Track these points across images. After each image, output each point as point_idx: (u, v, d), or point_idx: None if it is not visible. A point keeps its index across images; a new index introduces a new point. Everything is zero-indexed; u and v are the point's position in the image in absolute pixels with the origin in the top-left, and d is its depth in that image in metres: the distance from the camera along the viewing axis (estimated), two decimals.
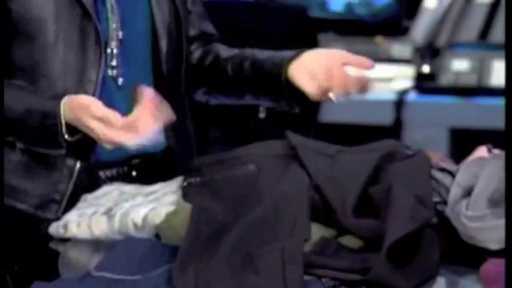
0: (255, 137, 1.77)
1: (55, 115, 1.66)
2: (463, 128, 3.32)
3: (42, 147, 1.72)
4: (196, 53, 1.95)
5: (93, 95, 1.75)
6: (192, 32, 1.95)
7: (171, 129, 1.83)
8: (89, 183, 1.75)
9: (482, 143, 3.29)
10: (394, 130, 3.36)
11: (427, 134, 3.37)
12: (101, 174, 1.79)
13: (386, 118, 3.35)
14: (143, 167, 1.80)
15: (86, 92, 1.74)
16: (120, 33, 1.79)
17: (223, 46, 1.97)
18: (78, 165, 1.76)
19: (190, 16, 1.95)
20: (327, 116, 3.25)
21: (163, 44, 1.83)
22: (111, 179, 1.75)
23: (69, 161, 1.75)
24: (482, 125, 3.28)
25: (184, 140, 1.88)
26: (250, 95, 1.91)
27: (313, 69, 1.78)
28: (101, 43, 1.75)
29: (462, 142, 3.41)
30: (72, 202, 1.72)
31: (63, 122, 1.66)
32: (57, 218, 1.68)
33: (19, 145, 1.76)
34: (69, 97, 1.68)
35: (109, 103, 1.74)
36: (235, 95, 1.94)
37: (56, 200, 1.76)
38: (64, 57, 1.74)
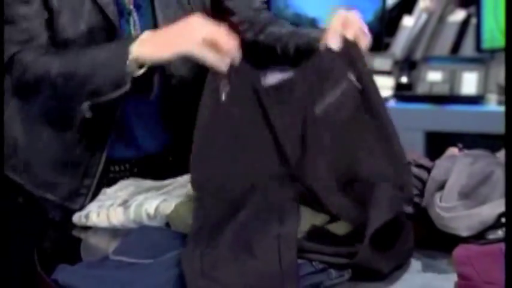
0: None
1: (125, 52, 1.55)
2: (437, 131, 3.31)
3: (107, 91, 1.60)
4: (248, 34, 1.86)
5: None
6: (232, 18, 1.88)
7: (175, 130, 1.83)
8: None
9: (453, 144, 3.29)
10: None
11: (405, 136, 3.33)
12: (111, 168, 1.79)
13: None
14: (144, 165, 1.78)
15: None
16: None
17: (274, 19, 1.89)
18: (102, 163, 1.75)
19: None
20: None
21: None
22: (119, 173, 1.76)
23: (95, 159, 1.75)
24: (453, 129, 3.27)
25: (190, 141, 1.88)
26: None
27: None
28: None
29: (436, 143, 3.40)
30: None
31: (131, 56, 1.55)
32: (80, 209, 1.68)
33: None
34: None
35: (127, 101, 1.74)
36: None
37: (82, 193, 1.76)
38: None
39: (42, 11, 1.69)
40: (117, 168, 1.79)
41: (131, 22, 1.77)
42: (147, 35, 1.56)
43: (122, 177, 1.75)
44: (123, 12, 1.76)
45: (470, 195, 1.46)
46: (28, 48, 1.67)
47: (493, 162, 1.53)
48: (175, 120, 1.83)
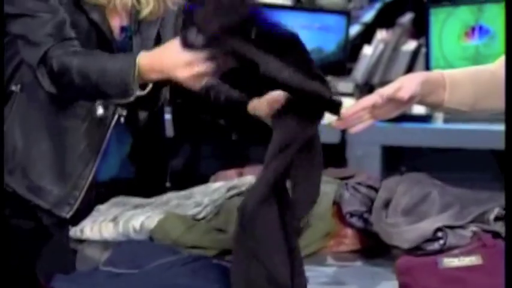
0: (243, 152, 1.70)
1: (129, 68, 1.55)
2: (391, 145, 3.33)
3: (114, 99, 1.61)
4: None
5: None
6: None
7: (140, 162, 1.81)
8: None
9: (406, 156, 3.27)
10: (341, 147, 3.36)
11: (365, 150, 3.38)
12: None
13: (334, 138, 3.34)
14: (115, 190, 1.75)
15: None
16: None
17: None
18: (90, 177, 1.74)
19: None
20: None
21: None
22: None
23: (85, 173, 1.74)
24: (406, 143, 3.29)
25: (154, 170, 1.84)
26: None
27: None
28: None
29: (391, 156, 3.43)
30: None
31: (136, 73, 1.54)
32: (69, 218, 1.68)
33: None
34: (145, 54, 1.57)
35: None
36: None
37: (70, 203, 1.72)
38: None
39: (61, 9, 1.65)
40: (102, 190, 1.77)
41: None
42: (145, 56, 1.56)
43: (107, 198, 1.71)
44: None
45: (411, 212, 1.47)
46: (57, 43, 1.62)
47: (431, 183, 1.54)
48: (146, 149, 1.80)
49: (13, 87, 1.73)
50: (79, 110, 1.71)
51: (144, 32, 1.75)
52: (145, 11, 1.72)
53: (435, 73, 1.53)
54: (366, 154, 3.36)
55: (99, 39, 1.70)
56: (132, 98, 1.57)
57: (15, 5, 1.64)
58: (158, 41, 1.76)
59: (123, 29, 1.74)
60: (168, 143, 2.01)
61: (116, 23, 1.73)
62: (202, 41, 1.37)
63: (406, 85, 1.45)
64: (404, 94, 1.44)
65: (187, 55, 1.45)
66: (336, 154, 3.48)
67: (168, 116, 2.68)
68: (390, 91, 1.47)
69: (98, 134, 1.72)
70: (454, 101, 1.50)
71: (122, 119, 1.74)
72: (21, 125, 1.73)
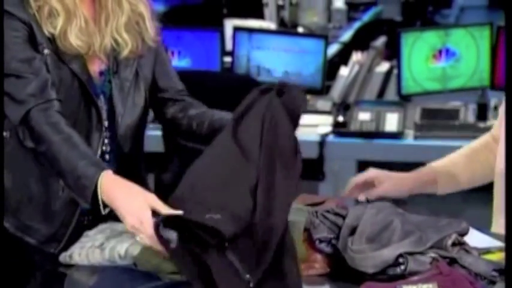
0: None
1: (92, 179, 1.54)
2: (366, 160, 3.33)
3: (73, 193, 1.60)
4: (172, 109, 1.81)
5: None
6: (162, 94, 1.81)
7: None
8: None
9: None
10: (319, 162, 3.37)
11: (341, 165, 3.39)
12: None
13: (313, 153, 3.36)
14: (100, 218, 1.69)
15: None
16: None
17: (194, 102, 1.81)
18: (77, 214, 1.72)
19: (158, 79, 1.79)
20: None
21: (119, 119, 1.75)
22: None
23: (72, 211, 1.72)
24: (379, 158, 3.29)
25: None
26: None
27: None
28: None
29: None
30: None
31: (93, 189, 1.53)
32: (59, 252, 1.65)
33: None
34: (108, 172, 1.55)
35: None
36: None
37: (58, 239, 1.70)
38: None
39: (44, 69, 1.64)
40: (89, 219, 1.76)
41: (100, 103, 1.73)
42: (108, 179, 1.54)
43: (89, 227, 1.68)
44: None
45: (375, 239, 1.47)
46: (39, 104, 1.60)
47: (393, 212, 1.54)
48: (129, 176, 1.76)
49: (4, 133, 1.71)
50: None
51: (122, 73, 1.73)
52: (125, 52, 1.71)
53: (426, 171, 1.68)
54: (342, 168, 3.37)
55: (81, 87, 1.69)
56: (88, 206, 1.57)
57: (11, 64, 1.62)
58: (136, 80, 1.75)
59: (101, 73, 1.72)
60: (158, 158, 1.95)
61: (95, 67, 1.71)
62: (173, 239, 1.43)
63: (392, 191, 1.71)
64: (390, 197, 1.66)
65: (141, 216, 1.46)
66: (314, 169, 3.49)
67: (158, 133, 2.69)
68: (379, 193, 1.70)
69: None
70: (448, 190, 1.68)
71: (107, 156, 1.73)
72: (10, 168, 1.71)
